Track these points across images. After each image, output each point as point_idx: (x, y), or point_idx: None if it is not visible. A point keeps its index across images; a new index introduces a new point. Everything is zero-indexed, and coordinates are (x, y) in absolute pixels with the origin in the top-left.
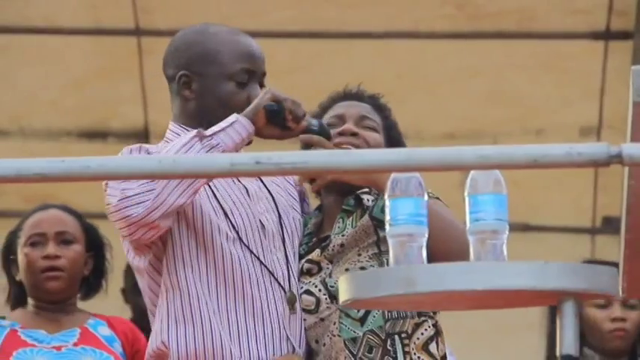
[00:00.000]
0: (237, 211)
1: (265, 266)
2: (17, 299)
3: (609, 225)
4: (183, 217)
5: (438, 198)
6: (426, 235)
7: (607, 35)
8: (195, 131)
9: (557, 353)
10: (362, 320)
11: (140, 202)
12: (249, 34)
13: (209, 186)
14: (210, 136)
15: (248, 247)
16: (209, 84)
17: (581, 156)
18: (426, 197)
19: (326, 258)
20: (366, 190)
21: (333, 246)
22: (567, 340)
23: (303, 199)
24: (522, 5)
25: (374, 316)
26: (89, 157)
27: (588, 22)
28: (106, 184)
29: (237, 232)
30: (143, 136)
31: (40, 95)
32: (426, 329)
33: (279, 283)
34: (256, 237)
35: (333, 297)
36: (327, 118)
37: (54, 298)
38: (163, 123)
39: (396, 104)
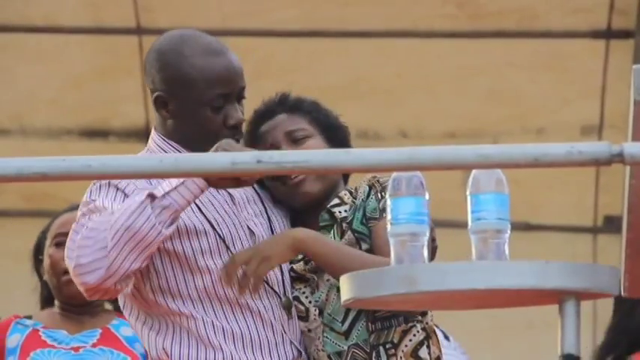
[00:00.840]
0: (224, 221)
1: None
2: (46, 299)
3: (611, 224)
4: (165, 246)
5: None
6: (428, 234)
7: (608, 34)
8: (144, 194)
9: (559, 353)
10: (346, 334)
11: (94, 270)
12: (250, 33)
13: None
14: (162, 196)
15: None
16: (185, 108)
17: (582, 155)
18: (427, 196)
19: (309, 271)
20: (336, 202)
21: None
22: (569, 340)
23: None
24: (523, 4)
25: (358, 330)
26: (90, 156)
27: (589, 21)
28: (69, 237)
29: (225, 243)
30: (144, 134)
31: (41, 94)
32: (414, 334)
33: (273, 289)
34: (245, 244)
35: (320, 311)
36: (261, 149)
37: (75, 301)
38: None
39: (396, 103)
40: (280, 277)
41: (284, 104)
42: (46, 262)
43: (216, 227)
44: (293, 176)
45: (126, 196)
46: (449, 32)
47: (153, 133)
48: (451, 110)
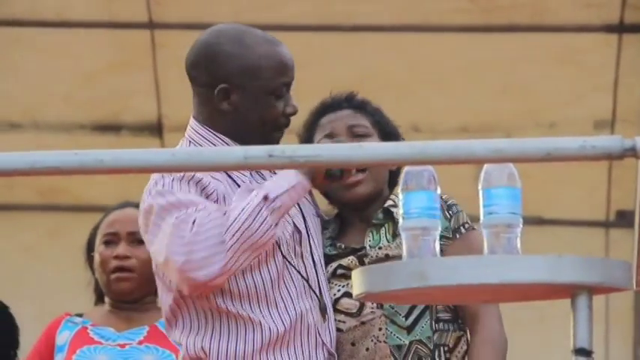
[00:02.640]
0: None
1: (300, 274)
2: (99, 295)
3: (623, 218)
4: None
5: (473, 228)
6: (439, 229)
7: (620, 28)
8: (261, 196)
9: (571, 347)
10: (409, 329)
11: (207, 266)
12: (261, 27)
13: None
14: (275, 198)
15: (285, 257)
16: (250, 98)
17: (594, 149)
18: (439, 191)
19: (364, 264)
20: (392, 204)
21: (376, 255)
22: (581, 334)
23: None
24: None
25: (422, 327)
26: (103, 150)
27: (602, 16)
28: (154, 223)
29: (278, 241)
30: (156, 129)
31: (53, 89)
32: (463, 344)
33: (312, 290)
34: (291, 243)
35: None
36: (318, 140)
37: (124, 299)
38: (176, 116)
39: (408, 98)
40: (316, 276)
41: (350, 101)
42: (96, 259)
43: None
44: (352, 175)
45: (206, 194)
46: (461, 26)
47: (196, 125)
48: (463, 105)
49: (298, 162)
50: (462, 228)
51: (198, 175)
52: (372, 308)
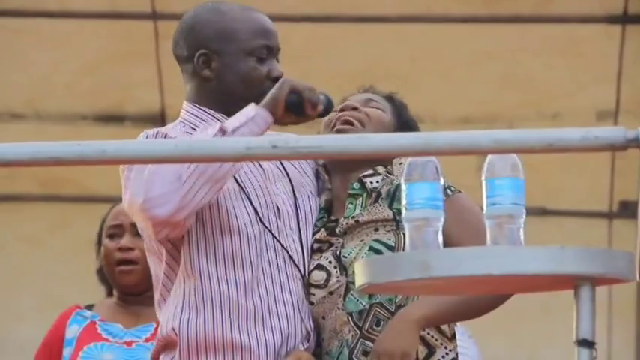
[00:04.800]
0: (255, 192)
1: (284, 248)
2: (110, 287)
3: (626, 209)
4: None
5: (459, 191)
6: (442, 220)
7: (624, 19)
8: (217, 127)
9: (574, 338)
10: None
11: (165, 203)
12: None
13: None
14: (232, 131)
15: (268, 229)
16: (230, 61)
17: (597, 140)
18: (442, 182)
19: (334, 234)
20: (370, 172)
21: (347, 222)
22: (584, 325)
23: (318, 176)
24: None
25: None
26: (105, 140)
27: (605, 6)
28: (126, 177)
29: (257, 213)
30: (159, 119)
31: (56, 79)
32: None
33: (296, 265)
34: (272, 218)
35: (344, 268)
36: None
37: (129, 291)
38: (179, 106)
39: (411, 88)
40: (301, 254)
41: (377, 92)
42: (102, 252)
43: (250, 197)
44: (339, 125)
45: None
46: (463, 17)
47: (186, 105)
48: (466, 95)
49: (301, 153)
50: (448, 190)
51: (163, 130)
52: (338, 276)
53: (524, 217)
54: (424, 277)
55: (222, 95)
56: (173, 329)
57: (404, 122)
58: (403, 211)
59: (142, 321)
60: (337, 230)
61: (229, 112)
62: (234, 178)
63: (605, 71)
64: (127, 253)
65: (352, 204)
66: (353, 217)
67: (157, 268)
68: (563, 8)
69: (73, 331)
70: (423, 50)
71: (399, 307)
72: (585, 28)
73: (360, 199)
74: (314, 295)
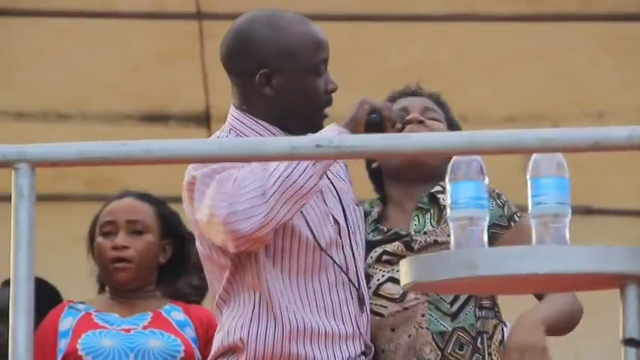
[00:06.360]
0: (312, 210)
1: (339, 265)
2: (102, 284)
3: None
4: None
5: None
6: (487, 219)
7: None
8: None
9: (620, 337)
10: (453, 316)
11: (250, 217)
12: (309, 17)
13: None
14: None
15: (327, 245)
16: (291, 79)
17: None
18: (486, 181)
19: (411, 250)
20: (439, 189)
21: (425, 241)
22: (630, 324)
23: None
24: None
25: (466, 314)
26: (151, 140)
27: None
28: (198, 189)
29: (312, 232)
30: (204, 119)
31: (101, 79)
32: (499, 332)
33: (351, 281)
34: (327, 234)
35: None
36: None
37: (123, 289)
38: (224, 106)
39: (456, 87)
40: (354, 268)
41: (430, 94)
42: (95, 249)
43: (305, 215)
44: (395, 128)
45: None
46: (509, 15)
47: (237, 113)
48: (511, 94)
49: (346, 152)
50: (515, 216)
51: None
52: (417, 294)
53: (569, 216)
54: (470, 276)
55: (279, 111)
56: (241, 339)
57: (451, 126)
58: (448, 211)
59: (138, 311)
60: (415, 247)
61: (283, 126)
62: None
63: None
64: (122, 251)
65: (420, 217)
66: (426, 234)
67: (214, 275)
68: (609, 6)
69: (67, 323)
70: (467, 49)
71: (479, 332)
72: (631, 26)
73: (428, 214)
74: (385, 307)
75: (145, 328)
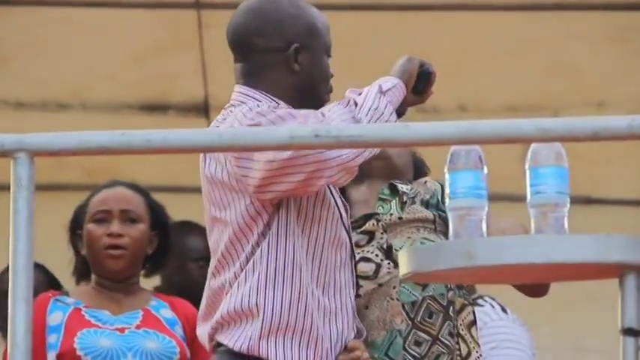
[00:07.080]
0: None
1: (351, 244)
2: (81, 273)
3: None
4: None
5: None
6: (486, 209)
7: None
8: (376, 86)
9: (619, 327)
10: (423, 285)
11: (345, 152)
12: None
13: None
14: (386, 91)
15: (344, 222)
16: (316, 57)
17: None
18: (485, 171)
19: (382, 228)
20: (398, 181)
21: (390, 218)
22: (629, 314)
23: None
24: None
25: (436, 283)
26: (150, 129)
27: None
28: (274, 163)
29: (337, 205)
30: (203, 109)
31: (101, 69)
32: (468, 314)
33: (352, 261)
34: (342, 210)
35: (396, 262)
36: None
37: (116, 277)
38: (223, 96)
39: (455, 77)
40: (350, 247)
41: None
42: (86, 237)
43: (331, 189)
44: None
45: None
46: (509, 4)
47: (245, 89)
48: (511, 83)
49: (344, 142)
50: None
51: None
52: (389, 269)
53: (568, 205)
54: (468, 265)
55: (300, 89)
56: (257, 305)
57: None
58: (447, 200)
59: (126, 308)
60: (380, 224)
61: (298, 104)
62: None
63: None
64: (117, 239)
65: (384, 206)
66: (392, 214)
67: (225, 236)
68: None
69: (57, 317)
70: (467, 38)
71: (450, 302)
72: (631, 16)
73: (393, 202)
74: (362, 287)
75: (138, 327)
